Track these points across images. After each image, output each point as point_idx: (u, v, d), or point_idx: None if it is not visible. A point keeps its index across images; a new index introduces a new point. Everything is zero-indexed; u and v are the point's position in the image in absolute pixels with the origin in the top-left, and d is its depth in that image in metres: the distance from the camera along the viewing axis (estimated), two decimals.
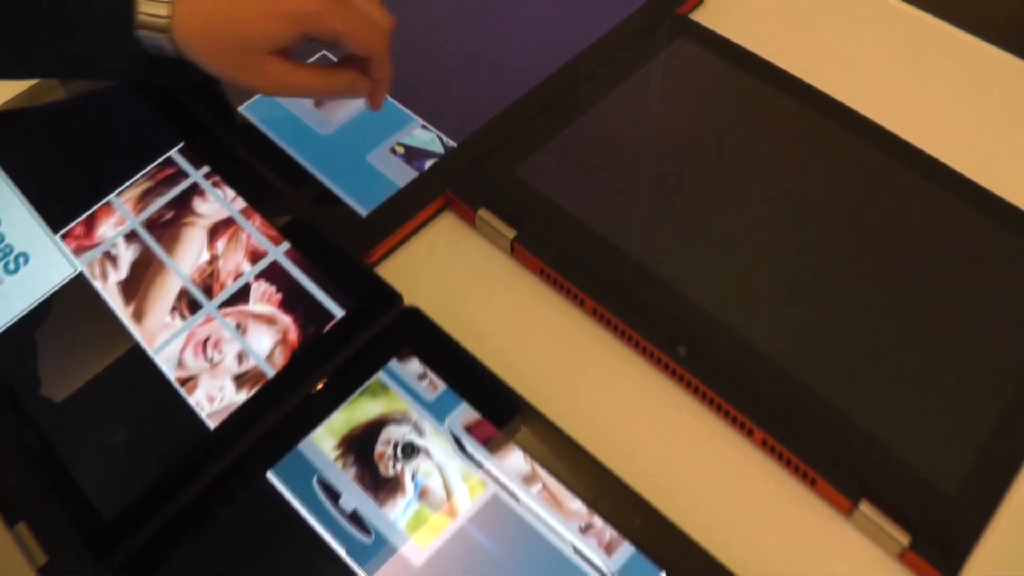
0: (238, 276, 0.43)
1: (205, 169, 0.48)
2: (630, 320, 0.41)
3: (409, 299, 0.43)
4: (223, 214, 0.46)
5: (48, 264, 0.45)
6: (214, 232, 0.45)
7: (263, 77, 0.42)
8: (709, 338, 0.41)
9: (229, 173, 0.47)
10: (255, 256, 0.44)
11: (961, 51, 0.54)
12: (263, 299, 0.43)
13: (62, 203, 0.47)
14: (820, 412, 0.39)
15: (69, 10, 0.41)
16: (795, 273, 0.43)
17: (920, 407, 0.39)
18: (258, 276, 0.43)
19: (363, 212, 0.46)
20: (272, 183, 0.47)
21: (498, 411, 0.39)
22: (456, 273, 0.45)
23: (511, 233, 0.44)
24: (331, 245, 0.44)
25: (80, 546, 0.37)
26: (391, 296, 0.42)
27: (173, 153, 0.48)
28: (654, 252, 0.43)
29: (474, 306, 0.44)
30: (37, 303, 0.44)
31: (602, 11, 0.54)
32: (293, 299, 0.42)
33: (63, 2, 0.41)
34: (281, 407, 0.39)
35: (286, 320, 0.42)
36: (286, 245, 0.44)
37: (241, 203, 0.46)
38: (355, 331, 0.41)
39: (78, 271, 0.44)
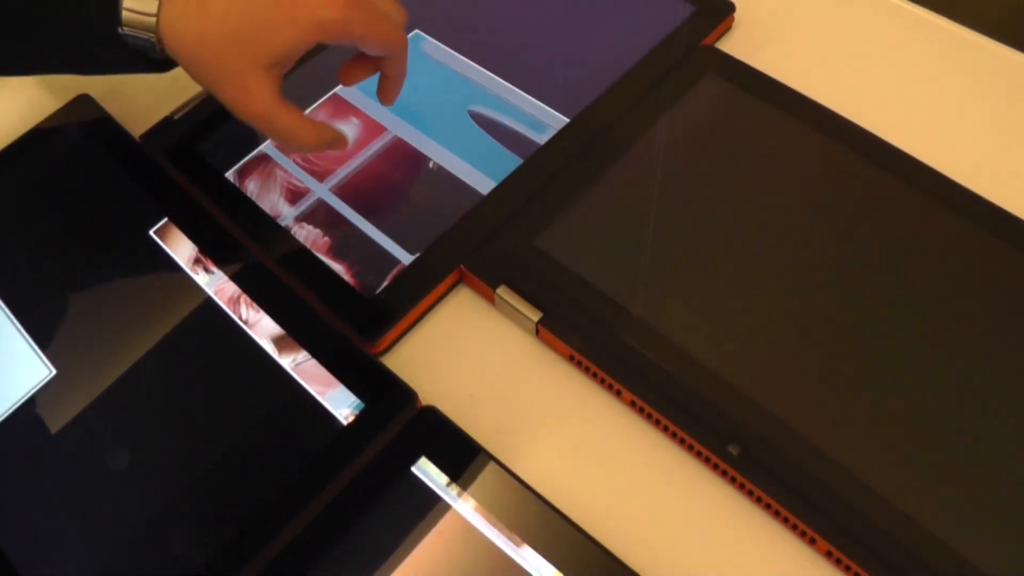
0: None
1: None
2: (673, 415, 0.37)
3: (424, 395, 0.38)
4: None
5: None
6: None
7: (247, 99, 0.37)
8: (765, 436, 0.36)
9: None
10: None
11: (1014, 73, 0.49)
12: None
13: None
14: (892, 520, 0.34)
15: (52, 6, 0.38)
16: (863, 358, 0.38)
17: (998, 513, 0.35)
18: None
19: (366, 293, 0.41)
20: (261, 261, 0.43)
21: (533, 530, 0.35)
22: (475, 360, 0.41)
23: (536, 315, 0.40)
24: (332, 333, 0.40)
25: None
26: (404, 394, 0.38)
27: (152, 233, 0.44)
28: (699, 333, 0.39)
29: (497, 398, 0.39)
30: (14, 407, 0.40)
31: (622, 45, 0.50)
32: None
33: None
34: (277, 542, 0.35)
35: None
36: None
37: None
38: (363, 440, 0.37)
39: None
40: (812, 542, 0.35)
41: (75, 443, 0.38)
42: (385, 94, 0.41)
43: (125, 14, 0.37)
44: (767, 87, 0.47)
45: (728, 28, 0.52)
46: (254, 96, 0.37)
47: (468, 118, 0.48)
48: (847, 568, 0.34)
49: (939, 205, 0.42)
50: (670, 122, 0.46)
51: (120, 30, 0.37)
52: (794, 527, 0.35)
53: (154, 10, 0.36)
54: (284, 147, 0.47)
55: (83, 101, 0.51)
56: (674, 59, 0.49)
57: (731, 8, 0.52)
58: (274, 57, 0.37)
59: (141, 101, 0.51)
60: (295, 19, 0.36)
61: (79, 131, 0.49)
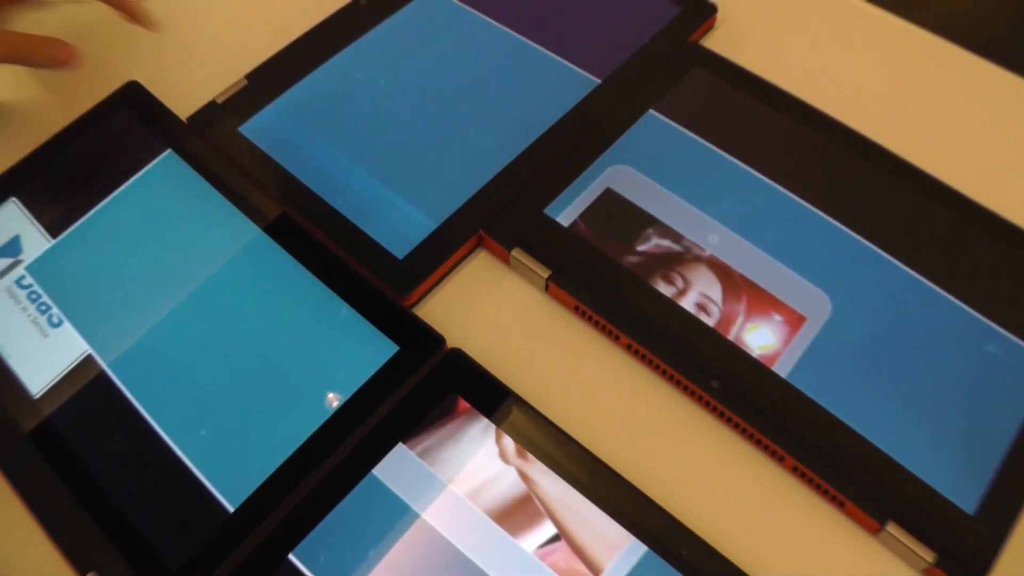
0: None
1: None
2: (665, 355, 0.43)
3: (450, 340, 0.45)
4: None
5: None
6: None
7: None
8: (741, 373, 0.43)
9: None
10: None
11: (979, 77, 0.56)
12: None
13: None
14: (846, 440, 0.41)
15: None
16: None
17: (940, 433, 0.41)
18: None
19: (397, 255, 0.47)
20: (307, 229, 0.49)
21: (542, 448, 0.41)
22: (492, 312, 0.47)
23: (546, 273, 0.46)
24: (372, 290, 0.46)
25: None
26: (434, 339, 0.44)
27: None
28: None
29: (512, 344, 0.46)
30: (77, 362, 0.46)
31: (616, 42, 0.56)
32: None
33: None
34: (325, 463, 0.41)
35: None
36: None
37: None
38: (402, 377, 0.43)
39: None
40: (781, 459, 0.42)
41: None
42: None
43: None
44: (745, 80, 0.54)
45: (711, 27, 0.58)
46: None
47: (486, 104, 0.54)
48: (810, 480, 0.41)
49: (903, 185, 0.49)
50: (660, 110, 0.52)
51: None
52: (765, 447, 0.42)
53: None
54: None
55: (133, 87, 0.56)
56: (663, 54, 0.56)
57: (713, 9, 0.58)
58: None
59: (185, 87, 0.56)
60: None
61: (131, 114, 0.55)
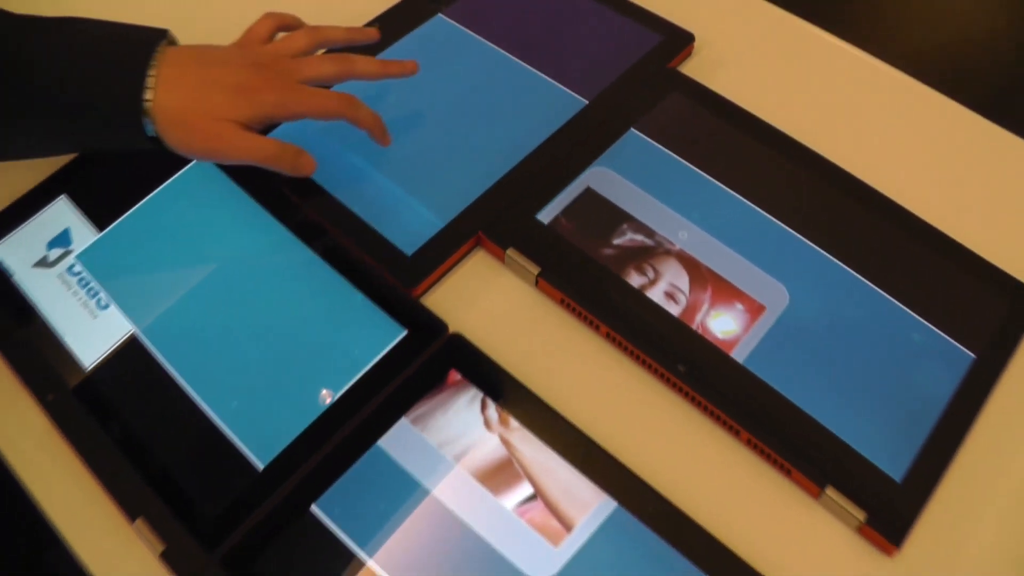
0: None
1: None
2: (638, 342, 0.50)
3: (451, 327, 0.51)
4: None
5: None
6: None
7: (218, 139, 0.48)
8: (704, 358, 0.49)
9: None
10: None
11: (927, 107, 0.63)
12: None
13: None
14: (794, 417, 0.48)
15: (84, 92, 0.47)
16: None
17: (876, 412, 0.48)
18: None
19: (407, 252, 0.54)
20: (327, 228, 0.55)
21: (530, 419, 0.47)
22: (489, 303, 0.54)
23: (536, 270, 0.53)
24: (384, 282, 0.52)
25: (191, 536, 0.45)
26: (438, 325, 0.51)
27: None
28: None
29: (506, 332, 0.52)
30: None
31: (603, 67, 0.63)
32: None
33: (79, 81, 0.47)
34: (330, 442, 0.47)
35: None
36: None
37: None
38: (409, 357, 0.50)
39: None
40: (737, 433, 0.48)
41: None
42: (376, 140, 0.55)
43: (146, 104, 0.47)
44: (717, 104, 0.60)
45: (689, 54, 0.65)
46: (223, 136, 0.48)
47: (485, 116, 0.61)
48: (761, 451, 0.47)
49: (851, 200, 0.56)
50: (641, 129, 0.59)
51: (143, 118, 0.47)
52: (724, 423, 0.48)
53: (151, 96, 0.47)
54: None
55: None
56: (645, 79, 0.62)
57: (691, 38, 0.65)
58: (237, 118, 0.49)
59: None
60: (246, 100, 0.49)
61: None
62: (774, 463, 0.47)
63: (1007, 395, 0.49)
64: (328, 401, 0.48)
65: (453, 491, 0.46)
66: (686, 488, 0.46)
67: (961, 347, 0.50)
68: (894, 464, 0.46)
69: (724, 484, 0.47)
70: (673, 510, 0.45)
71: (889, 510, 0.45)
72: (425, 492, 0.46)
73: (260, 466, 0.46)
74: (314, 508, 0.45)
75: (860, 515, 0.45)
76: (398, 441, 0.47)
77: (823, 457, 0.46)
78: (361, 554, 0.44)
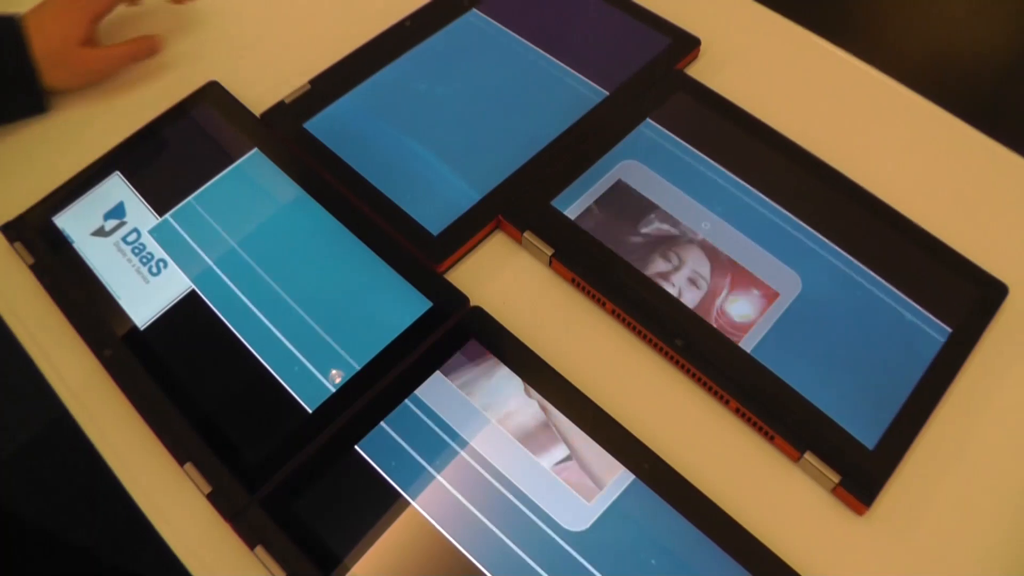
0: None
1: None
2: (640, 319, 0.55)
3: (472, 301, 0.56)
4: None
5: None
6: None
7: (86, 64, 0.63)
8: (699, 334, 0.55)
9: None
10: None
11: (919, 115, 0.68)
12: None
13: None
14: (778, 389, 0.53)
15: None
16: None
17: (854, 386, 0.53)
18: None
19: (432, 231, 0.59)
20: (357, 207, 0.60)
21: (543, 384, 0.53)
22: (507, 280, 0.59)
23: (549, 251, 0.58)
24: (412, 258, 0.58)
25: (235, 479, 0.50)
26: (460, 298, 0.56)
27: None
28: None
29: (522, 306, 0.57)
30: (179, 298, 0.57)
31: (615, 69, 0.68)
32: None
33: None
34: (372, 390, 0.53)
35: None
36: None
37: None
38: (433, 326, 0.55)
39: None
40: (727, 403, 0.53)
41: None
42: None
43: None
44: (721, 104, 0.66)
45: (695, 57, 0.70)
46: (88, 60, 0.64)
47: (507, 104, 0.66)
48: (748, 419, 0.53)
49: (850, 201, 0.61)
50: (649, 127, 0.64)
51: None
52: (715, 393, 0.54)
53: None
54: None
55: (213, 87, 0.68)
56: (654, 79, 0.67)
57: (697, 42, 0.70)
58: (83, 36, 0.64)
59: (256, 89, 0.68)
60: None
61: (212, 110, 0.67)
62: (759, 430, 0.53)
63: (975, 374, 0.54)
64: (367, 358, 0.54)
65: (493, 447, 0.51)
66: (684, 453, 0.51)
67: (940, 322, 0.55)
68: (868, 433, 0.51)
69: (715, 449, 0.53)
70: (668, 469, 0.50)
71: (861, 473, 0.50)
72: (464, 443, 0.51)
73: (309, 409, 0.52)
74: (358, 448, 0.51)
75: (835, 477, 0.50)
76: (435, 393, 0.52)
77: (803, 425, 0.52)
78: (404, 494, 0.49)
